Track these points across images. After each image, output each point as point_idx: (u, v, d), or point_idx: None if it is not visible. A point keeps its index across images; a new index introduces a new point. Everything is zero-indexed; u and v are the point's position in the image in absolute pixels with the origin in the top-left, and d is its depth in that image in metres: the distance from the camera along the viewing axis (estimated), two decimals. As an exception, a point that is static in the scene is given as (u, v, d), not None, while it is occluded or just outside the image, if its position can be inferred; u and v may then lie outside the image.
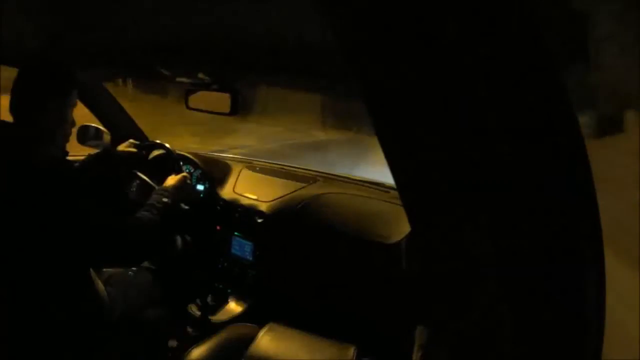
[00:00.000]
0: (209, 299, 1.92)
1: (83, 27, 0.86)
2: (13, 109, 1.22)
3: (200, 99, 1.57)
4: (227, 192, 1.98)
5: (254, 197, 1.89)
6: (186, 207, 1.81)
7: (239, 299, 1.90)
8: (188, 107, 1.60)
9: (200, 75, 1.50)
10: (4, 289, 1.13)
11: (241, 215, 1.88)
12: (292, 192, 1.87)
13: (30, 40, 1.04)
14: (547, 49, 0.32)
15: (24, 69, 1.23)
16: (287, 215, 1.80)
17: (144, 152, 1.84)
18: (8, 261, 1.12)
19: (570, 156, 0.35)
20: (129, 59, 1.30)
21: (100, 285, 1.35)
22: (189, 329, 1.90)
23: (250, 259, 1.85)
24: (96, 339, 1.28)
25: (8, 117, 1.23)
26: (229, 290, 1.93)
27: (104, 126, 1.99)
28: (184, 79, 1.59)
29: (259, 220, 1.81)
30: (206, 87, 1.54)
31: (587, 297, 0.37)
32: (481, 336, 0.41)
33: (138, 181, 1.81)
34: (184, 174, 1.64)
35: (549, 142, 0.35)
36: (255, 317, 1.78)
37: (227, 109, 1.51)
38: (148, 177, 1.80)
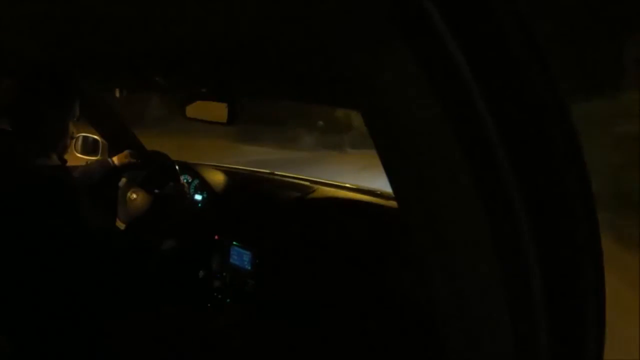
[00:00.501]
0: (207, 308, 1.91)
1: (80, 35, 0.86)
2: (12, 117, 1.21)
3: (197, 108, 1.57)
4: (225, 201, 1.98)
5: (252, 206, 1.89)
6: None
7: (237, 308, 1.89)
8: (185, 117, 1.61)
9: (198, 86, 1.51)
10: (6, 294, 1.12)
11: (239, 224, 1.88)
12: (290, 201, 1.86)
13: (27, 49, 1.04)
14: (540, 48, 0.33)
15: (24, 78, 1.22)
16: (284, 224, 1.79)
17: (140, 161, 1.84)
18: (9, 269, 1.11)
19: (568, 159, 0.35)
20: (125, 68, 1.30)
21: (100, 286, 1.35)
22: (188, 338, 1.88)
23: (249, 268, 1.85)
24: (96, 343, 1.28)
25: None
26: (227, 300, 1.92)
27: (102, 137, 1.99)
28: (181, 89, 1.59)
29: (257, 230, 1.81)
30: (203, 96, 1.55)
31: (587, 297, 0.37)
32: (480, 337, 0.40)
33: (135, 191, 1.81)
34: (182, 183, 1.64)
35: (546, 146, 0.35)
36: (254, 326, 1.77)
37: (224, 119, 1.51)
38: (146, 187, 1.79)
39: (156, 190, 1.80)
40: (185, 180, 1.98)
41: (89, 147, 1.93)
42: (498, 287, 0.38)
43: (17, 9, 0.75)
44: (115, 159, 1.81)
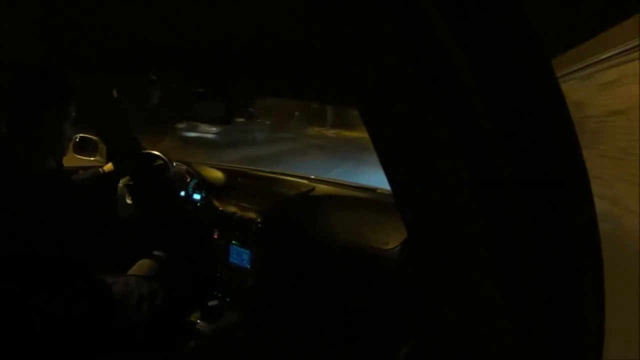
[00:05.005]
0: (207, 307, 1.91)
1: (75, 33, 0.86)
2: (8, 119, 1.20)
3: (195, 107, 1.57)
4: (224, 200, 1.97)
5: (251, 205, 1.89)
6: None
7: (237, 306, 1.89)
8: (183, 116, 1.61)
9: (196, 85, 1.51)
10: (8, 295, 1.12)
11: (238, 223, 1.88)
12: (289, 199, 1.86)
13: (23, 48, 1.03)
14: (542, 56, 0.33)
15: (19, 78, 1.21)
16: (283, 222, 1.79)
17: (129, 168, 1.86)
18: (11, 272, 1.11)
19: (568, 162, 0.35)
20: (121, 65, 1.30)
21: (102, 291, 1.35)
22: (189, 337, 1.89)
23: (248, 267, 1.85)
24: (98, 344, 1.28)
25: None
26: (227, 299, 1.92)
27: (101, 137, 1.99)
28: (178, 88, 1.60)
29: (256, 229, 1.81)
30: (201, 96, 1.55)
31: (586, 298, 0.37)
32: (478, 338, 0.40)
33: (128, 199, 1.83)
34: (179, 175, 1.65)
35: (547, 150, 0.35)
36: (253, 325, 1.78)
37: (221, 118, 1.51)
38: (144, 187, 1.80)
39: (145, 192, 1.82)
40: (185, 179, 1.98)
41: (87, 148, 1.93)
42: (495, 285, 0.38)
43: (14, 8, 0.75)
44: (105, 168, 1.83)
